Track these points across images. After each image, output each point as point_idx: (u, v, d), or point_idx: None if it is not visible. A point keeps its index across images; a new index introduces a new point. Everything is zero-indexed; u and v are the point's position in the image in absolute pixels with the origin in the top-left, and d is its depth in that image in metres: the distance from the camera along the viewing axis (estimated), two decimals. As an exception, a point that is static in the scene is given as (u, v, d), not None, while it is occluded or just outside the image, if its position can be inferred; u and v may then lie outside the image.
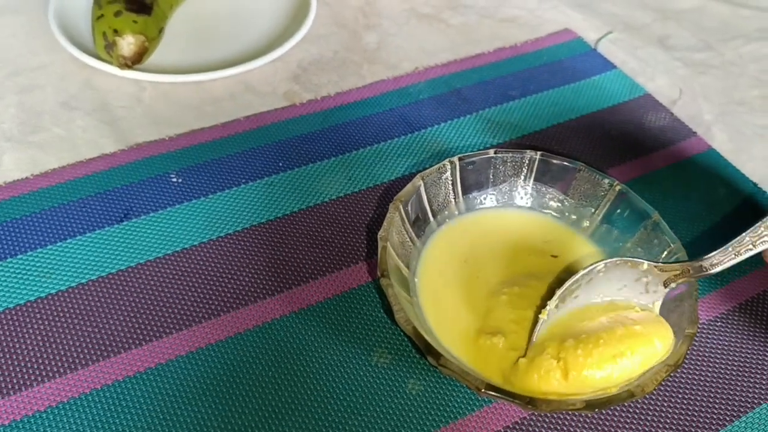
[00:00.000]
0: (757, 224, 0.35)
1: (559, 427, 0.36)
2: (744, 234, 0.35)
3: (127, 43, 0.49)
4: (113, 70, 0.51)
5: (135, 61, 0.51)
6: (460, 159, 0.41)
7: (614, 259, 0.36)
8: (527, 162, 0.42)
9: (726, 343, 0.40)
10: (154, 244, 0.42)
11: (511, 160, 0.42)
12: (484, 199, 0.43)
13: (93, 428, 0.34)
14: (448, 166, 0.41)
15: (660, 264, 0.36)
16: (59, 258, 0.41)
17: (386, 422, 0.36)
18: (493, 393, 0.31)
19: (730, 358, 0.40)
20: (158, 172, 0.47)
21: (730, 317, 0.42)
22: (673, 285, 0.36)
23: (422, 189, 0.40)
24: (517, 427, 0.36)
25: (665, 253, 0.38)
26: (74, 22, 0.56)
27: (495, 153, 0.42)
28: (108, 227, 0.43)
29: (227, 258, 0.42)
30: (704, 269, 0.36)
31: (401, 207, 0.38)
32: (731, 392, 0.38)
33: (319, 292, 0.41)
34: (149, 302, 0.40)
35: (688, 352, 0.34)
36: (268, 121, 0.51)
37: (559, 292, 0.36)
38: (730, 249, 0.35)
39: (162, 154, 0.48)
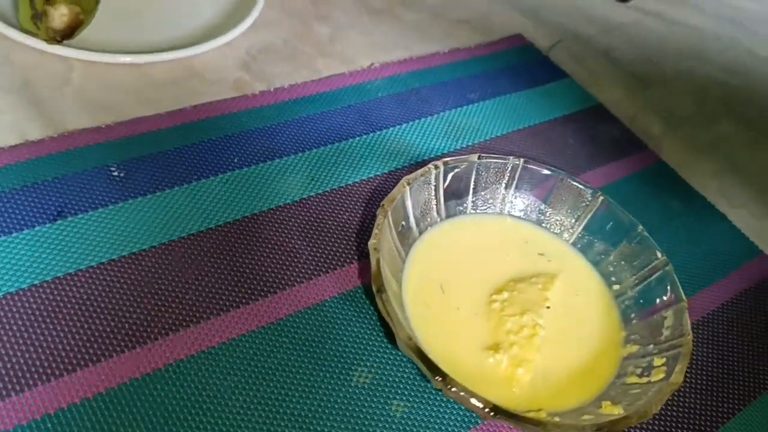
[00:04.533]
0: None
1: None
2: None
3: (60, 14, 0.43)
4: (37, 44, 0.45)
5: (66, 35, 0.44)
6: (444, 164, 0.39)
7: None
8: (510, 169, 0.40)
9: (712, 345, 0.40)
10: (94, 248, 0.37)
11: (494, 166, 0.40)
12: (465, 206, 0.40)
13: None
14: (433, 171, 0.38)
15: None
16: (-21, 262, 0.35)
17: (372, 449, 0.33)
18: (502, 417, 0.29)
19: (717, 359, 0.40)
20: (96, 164, 0.41)
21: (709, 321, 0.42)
22: None
23: (407, 194, 0.37)
24: (508, 449, 0.34)
25: (649, 267, 0.38)
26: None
27: (479, 158, 0.40)
28: (38, 227, 0.37)
29: (181, 265, 0.37)
30: None
31: (390, 213, 0.35)
32: (723, 392, 0.38)
33: (289, 305, 0.37)
34: (92, 316, 0.34)
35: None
36: (219, 112, 0.46)
37: None
38: None
39: (100, 144, 0.42)
